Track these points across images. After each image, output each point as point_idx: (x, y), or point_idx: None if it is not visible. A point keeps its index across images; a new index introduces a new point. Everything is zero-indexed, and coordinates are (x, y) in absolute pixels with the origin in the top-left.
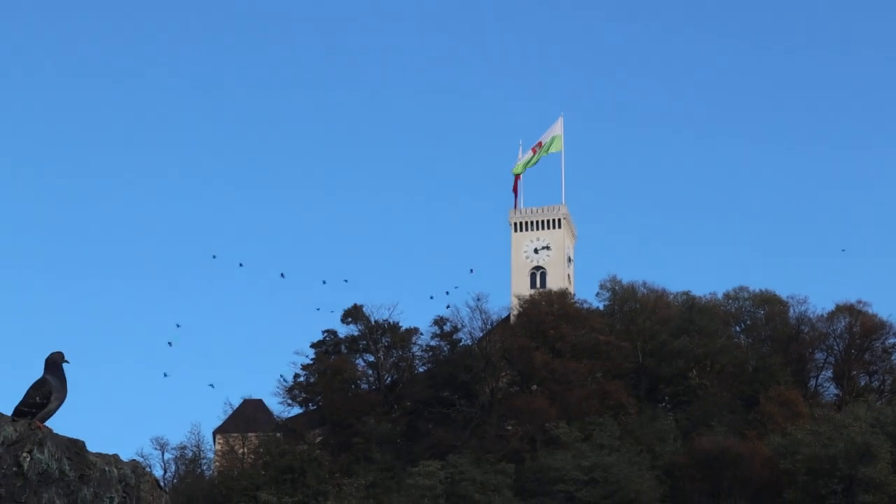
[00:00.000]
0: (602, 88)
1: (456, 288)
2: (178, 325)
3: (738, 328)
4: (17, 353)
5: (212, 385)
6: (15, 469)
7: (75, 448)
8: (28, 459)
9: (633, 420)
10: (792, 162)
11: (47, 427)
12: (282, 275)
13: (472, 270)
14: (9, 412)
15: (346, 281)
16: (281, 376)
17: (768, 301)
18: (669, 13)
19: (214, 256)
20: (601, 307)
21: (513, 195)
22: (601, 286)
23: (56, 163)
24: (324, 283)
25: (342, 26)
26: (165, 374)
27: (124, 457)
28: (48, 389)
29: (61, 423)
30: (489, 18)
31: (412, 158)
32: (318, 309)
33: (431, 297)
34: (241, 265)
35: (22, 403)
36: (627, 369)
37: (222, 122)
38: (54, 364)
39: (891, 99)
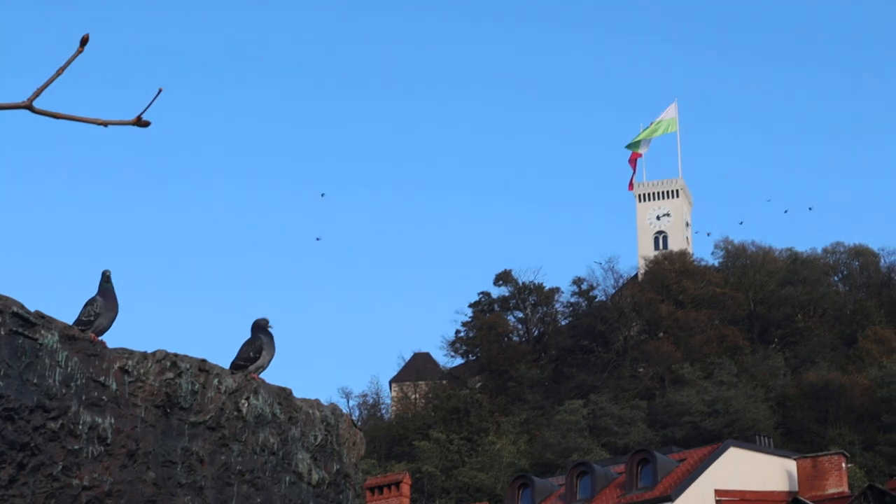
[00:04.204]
0: (714, 74)
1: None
2: (317, 238)
3: (836, 278)
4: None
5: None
6: (235, 413)
7: (284, 395)
8: (246, 405)
9: (747, 359)
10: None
11: (260, 378)
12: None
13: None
14: (227, 366)
15: (318, 239)
16: (442, 337)
17: (862, 253)
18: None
19: (318, 238)
20: (716, 264)
21: (631, 170)
22: (716, 246)
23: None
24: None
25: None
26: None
27: None
28: (259, 345)
29: (268, 376)
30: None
31: (540, 141)
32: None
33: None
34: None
35: (238, 358)
36: (741, 316)
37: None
38: (261, 328)
39: None
